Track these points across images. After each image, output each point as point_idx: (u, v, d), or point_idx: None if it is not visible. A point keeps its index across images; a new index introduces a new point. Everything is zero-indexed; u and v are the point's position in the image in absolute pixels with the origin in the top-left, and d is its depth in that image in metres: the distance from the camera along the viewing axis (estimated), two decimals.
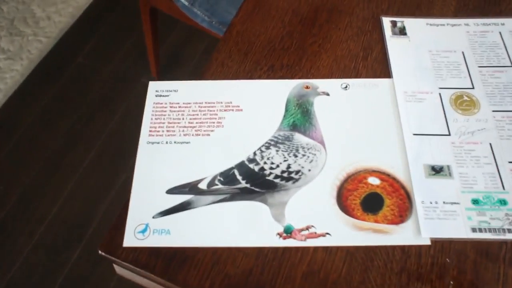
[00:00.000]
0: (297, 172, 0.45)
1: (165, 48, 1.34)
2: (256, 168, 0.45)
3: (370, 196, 0.43)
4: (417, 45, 0.53)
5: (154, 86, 0.51)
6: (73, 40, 1.40)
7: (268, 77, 0.51)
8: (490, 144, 0.46)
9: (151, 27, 1.13)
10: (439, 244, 0.41)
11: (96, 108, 1.23)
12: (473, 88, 0.50)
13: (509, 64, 0.52)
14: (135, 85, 1.27)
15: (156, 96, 0.50)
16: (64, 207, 1.07)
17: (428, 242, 0.41)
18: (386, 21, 0.56)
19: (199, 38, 1.36)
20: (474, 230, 0.41)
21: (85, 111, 1.23)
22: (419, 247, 0.41)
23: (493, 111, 0.48)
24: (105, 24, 1.43)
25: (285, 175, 0.44)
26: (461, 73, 0.51)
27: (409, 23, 0.55)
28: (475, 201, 0.43)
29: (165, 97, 0.50)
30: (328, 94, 0.50)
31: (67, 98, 1.26)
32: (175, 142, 0.47)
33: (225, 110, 0.49)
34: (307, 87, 0.50)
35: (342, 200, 0.43)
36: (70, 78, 1.30)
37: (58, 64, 1.34)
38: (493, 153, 0.45)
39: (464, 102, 0.49)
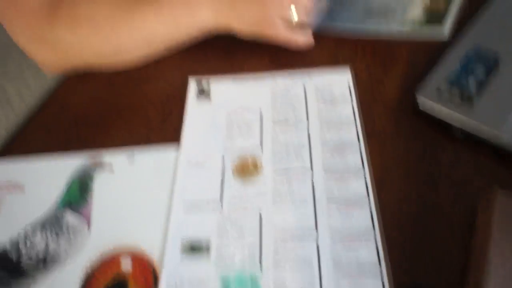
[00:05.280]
0: (52, 254, 0.43)
1: None
2: (13, 251, 0.43)
3: (115, 281, 0.41)
4: (217, 105, 0.51)
5: None
6: None
7: (63, 149, 0.50)
8: (260, 214, 0.42)
9: None
10: None
11: None
12: (261, 147, 0.47)
13: (305, 120, 0.48)
14: None
15: None
16: None
17: None
18: (193, 83, 0.54)
19: None
20: None
21: None
22: None
23: (275, 170, 0.45)
24: None
25: (40, 256, 0.42)
26: (253, 132, 0.48)
27: (216, 81, 0.54)
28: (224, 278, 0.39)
29: None
30: (112, 169, 0.48)
31: None
32: None
33: (8, 192, 0.48)
34: (94, 164, 0.49)
35: (86, 285, 0.41)
36: None
37: None
38: (261, 224, 0.42)
39: (246, 164, 0.46)
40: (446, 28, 0.55)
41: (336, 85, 0.51)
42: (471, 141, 0.44)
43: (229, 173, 0.46)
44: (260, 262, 0.39)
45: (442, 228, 0.39)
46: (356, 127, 0.47)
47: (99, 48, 0.55)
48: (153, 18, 0.53)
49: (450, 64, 0.48)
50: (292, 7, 0.51)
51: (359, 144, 0.45)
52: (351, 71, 0.52)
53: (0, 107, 1.40)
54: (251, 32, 0.53)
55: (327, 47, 0.55)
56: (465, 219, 0.40)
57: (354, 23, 0.57)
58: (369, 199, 0.42)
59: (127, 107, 0.53)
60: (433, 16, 0.56)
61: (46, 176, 0.49)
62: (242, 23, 0.53)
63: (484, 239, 0.36)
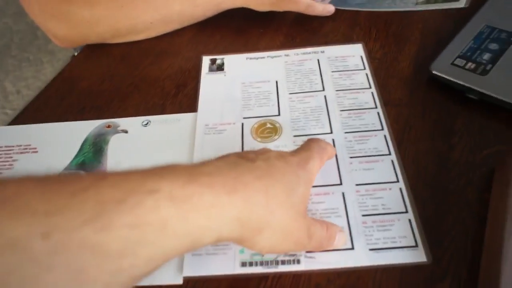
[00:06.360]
0: None
1: None
2: None
3: None
4: (231, 79, 0.52)
5: None
6: None
7: (76, 119, 0.50)
8: None
9: None
10: (191, 283, 0.36)
11: None
12: (279, 115, 0.47)
13: (321, 89, 0.49)
14: None
15: None
16: None
17: (180, 281, 0.36)
18: (206, 60, 0.55)
19: None
20: (244, 264, 0.36)
21: None
22: (169, 286, 0.36)
23: (294, 136, 0.45)
24: None
25: None
26: (270, 102, 0.49)
27: (229, 59, 0.55)
28: None
29: None
30: (126, 132, 0.48)
31: None
32: None
33: (21, 153, 0.47)
34: (108, 126, 0.49)
35: None
36: None
37: None
38: None
39: (266, 130, 0.46)
40: (463, 2, 0.58)
41: (349, 57, 0.52)
42: (485, 107, 0.45)
43: (248, 136, 0.45)
44: None
45: (461, 186, 0.40)
46: (372, 93, 0.48)
47: (115, 25, 0.56)
48: None
49: (464, 40, 0.50)
50: None
51: (376, 108, 0.46)
52: (363, 46, 0.53)
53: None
54: (270, 6, 0.55)
55: (341, 27, 0.57)
56: (482, 178, 0.40)
57: (368, 4, 0.59)
58: (390, 155, 0.42)
59: (141, 79, 0.54)
60: None
61: (60, 139, 0.48)
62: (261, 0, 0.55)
63: (501, 197, 0.36)
